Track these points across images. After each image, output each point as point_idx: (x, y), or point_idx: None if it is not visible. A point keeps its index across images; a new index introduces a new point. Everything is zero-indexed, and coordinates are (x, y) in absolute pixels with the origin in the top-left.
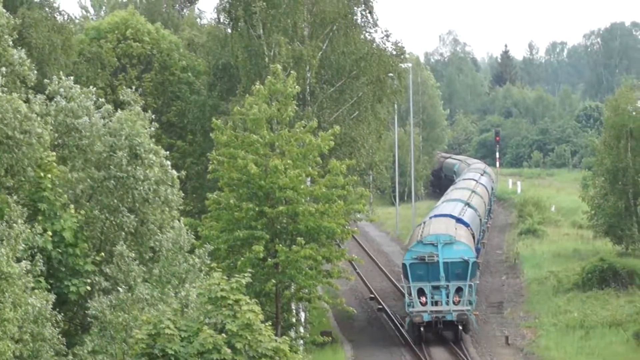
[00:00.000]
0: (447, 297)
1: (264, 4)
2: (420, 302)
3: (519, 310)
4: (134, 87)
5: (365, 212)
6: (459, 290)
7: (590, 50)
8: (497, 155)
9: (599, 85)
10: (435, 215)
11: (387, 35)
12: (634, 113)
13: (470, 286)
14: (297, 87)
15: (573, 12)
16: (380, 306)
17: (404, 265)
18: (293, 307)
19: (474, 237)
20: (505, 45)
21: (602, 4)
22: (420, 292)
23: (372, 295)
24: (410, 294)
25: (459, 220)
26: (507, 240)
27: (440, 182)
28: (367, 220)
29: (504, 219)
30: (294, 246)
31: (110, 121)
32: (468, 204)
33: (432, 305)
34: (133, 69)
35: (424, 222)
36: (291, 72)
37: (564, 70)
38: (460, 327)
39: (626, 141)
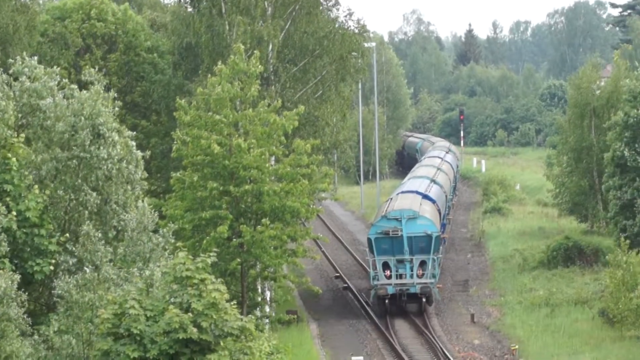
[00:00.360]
0: (411, 270)
1: None
2: (385, 276)
3: (484, 289)
4: (97, 68)
5: (330, 191)
6: (422, 263)
7: (554, 29)
8: (462, 134)
9: (562, 64)
10: (402, 192)
11: (350, 14)
12: (597, 92)
13: (433, 260)
14: (259, 66)
15: None
16: (346, 284)
17: (369, 239)
18: (258, 286)
19: (439, 213)
20: (469, 24)
21: None
22: (385, 265)
23: (337, 274)
24: (375, 268)
25: (425, 197)
26: (472, 218)
27: (404, 161)
28: (332, 199)
29: (468, 197)
30: (259, 226)
31: (72, 103)
32: (434, 181)
33: (397, 278)
34: (98, 49)
35: (391, 198)
36: (254, 51)
37: (528, 49)
38: (424, 300)
39: (590, 120)
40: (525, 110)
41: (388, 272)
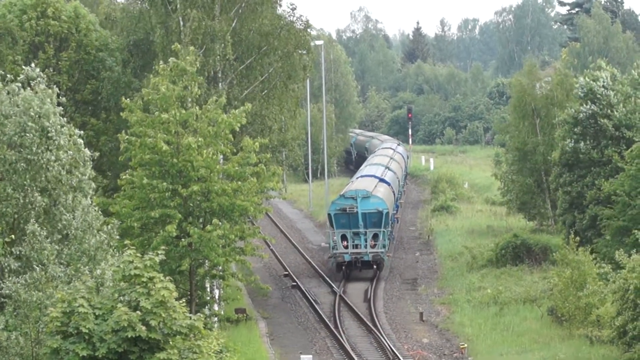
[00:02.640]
0: (365, 241)
1: None
2: (343, 246)
3: (433, 287)
4: (50, 66)
5: (278, 190)
6: (375, 236)
7: (502, 27)
8: (410, 132)
9: (510, 62)
10: (361, 176)
11: (293, 9)
12: (539, 92)
13: (384, 232)
14: (197, 63)
15: None
16: (294, 283)
17: (329, 215)
18: (207, 284)
19: (394, 194)
20: (417, 22)
21: None
22: (343, 237)
23: (286, 272)
24: (334, 239)
25: (381, 180)
26: (420, 216)
27: (352, 159)
28: (281, 198)
29: (417, 195)
30: (208, 226)
31: (16, 101)
32: (388, 168)
33: (353, 248)
34: (50, 47)
35: (352, 181)
36: (191, 47)
37: (476, 47)
38: (375, 266)
39: (532, 120)
40: (473, 108)
41: (345, 243)
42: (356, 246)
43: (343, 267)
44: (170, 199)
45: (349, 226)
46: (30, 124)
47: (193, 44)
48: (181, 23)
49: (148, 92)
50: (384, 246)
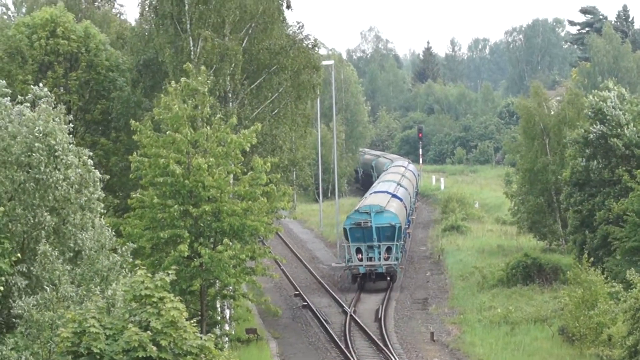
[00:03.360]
0: (379, 254)
1: (194, 1)
2: (358, 258)
3: (444, 307)
4: (59, 86)
5: (289, 210)
6: (388, 249)
7: (513, 47)
8: (420, 151)
9: (520, 82)
10: (374, 192)
11: (301, 27)
12: (552, 112)
13: (397, 246)
14: (208, 82)
15: (495, 8)
16: (305, 303)
17: (344, 229)
18: (218, 304)
19: (406, 209)
20: (428, 42)
21: (525, 1)
22: (358, 250)
23: (297, 292)
24: (349, 252)
25: (393, 196)
26: (431, 236)
27: (361, 179)
28: (291, 218)
29: (427, 215)
30: (218, 246)
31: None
32: (400, 184)
33: (367, 260)
34: (60, 66)
35: (365, 197)
36: (202, 67)
37: (486, 67)
38: (389, 278)
39: (542, 140)
40: (483, 128)
41: (360, 256)
42: (370, 259)
43: (358, 279)
44: (181, 219)
45: (363, 240)
46: (36, 143)
47: (205, 63)
48: (191, 43)
49: (159, 112)
50: (396, 259)
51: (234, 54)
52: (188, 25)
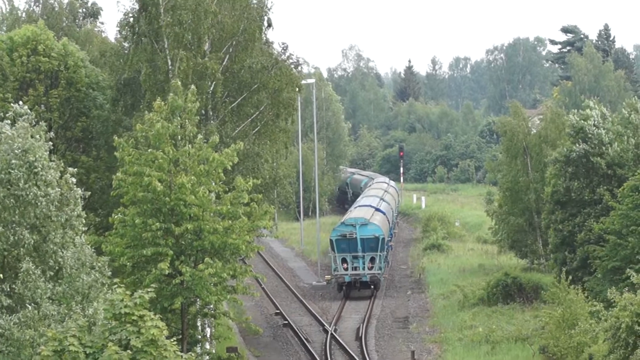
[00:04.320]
0: (363, 264)
1: (170, 19)
2: (343, 268)
3: (424, 325)
4: (42, 105)
5: (270, 229)
6: (372, 259)
7: (494, 66)
8: (402, 170)
9: (502, 101)
10: (359, 206)
11: (285, 48)
12: (533, 131)
13: (380, 256)
14: (197, 103)
15: (476, 27)
16: (286, 321)
17: (330, 240)
18: (199, 323)
19: (389, 222)
20: (409, 61)
21: (506, 20)
22: (343, 260)
23: (278, 311)
24: (335, 262)
25: (376, 209)
26: (412, 255)
27: (342, 197)
28: (272, 237)
29: (408, 234)
30: (200, 264)
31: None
32: (382, 199)
33: (352, 270)
34: (40, 84)
35: (350, 210)
36: (191, 86)
37: (467, 86)
38: (372, 287)
39: (523, 158)
40: (464, 146)
41: (345, 265)
42: (355, 268)
43: (343, 287)
44: (162, 237)
45: (348, 250)
46: (14, 160)
47: (183, 82)
48: (169, 62)
49: (142, 129)
50: (380, 268)
51: (212, 73)
52: (165, 44)
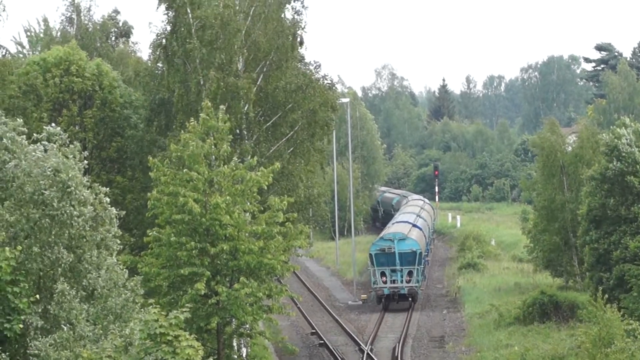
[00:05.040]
0: (401, 277)
1: (198, 42)
2: (382, 281)
3: (460, 345)
4: (76, 125)
5: (305, 248)
6: (410, 272)
7: (528, 84)
8: (437, 189)
9: (536, 119)
10: (396, 222)
11: (317, 66)
12: (569, 148)
13: (417, 270)
14: (227, 122)
15: (510, 45)
16: (322, 341)
17: (370, 254)
18: (235, 343)
19: (425, 237)
20: (443, 79)
21: (540, 38)
22: (382, 273)
23: (313, 330)
24: (374, 275)
25: (413, 225)
26: (447, 274)
27: (375, 216)
28: (308, 256)
29: (444, 253)
30: (236, 284)
31: (37, 161)
32: (419, 215)
33: (391, 283)
34: (74, 104)
35: (388, 226)
36: (221, 107)
37: (502, 104)
38: (410, 299)
39: (560, 177)
40: (499, 165)
41: (384, 279)
42: (394, 281)
43: (382, 300)
44: (198, 257)
45: (387, 264)
46: (42, 181)
47: (213, 103)
48: (201, 82)
49: (177, 149)
50: (417, 281)
51: (245, 93)
52: (197, 65)
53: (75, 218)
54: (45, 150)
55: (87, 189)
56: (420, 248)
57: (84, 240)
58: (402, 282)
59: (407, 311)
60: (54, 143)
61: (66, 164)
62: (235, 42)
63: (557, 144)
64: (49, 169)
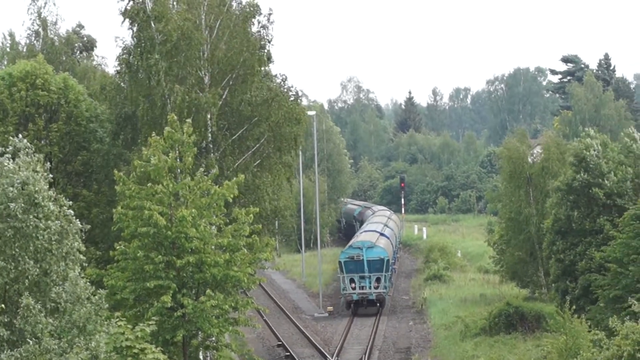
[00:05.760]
0: (370, 284)
1: (158, 57)
2: (351, 287)
3: (426, 356)
4: (42, 139)
5: (271, 261)
6: (378, 279)
7: (494, 96)
8: (403, 201)
9: (502, 131)
10: (364, 231)
11: (284, 80)
12: (533, 160)
13: (385, 276)
14: (193, 136)
15: (477, 58)
16: (288, 353)
17: (339, 262)
18: (201, 355)
19: (392, 245)
20: (409, 92)
21: (506, 50)
22: (351, 280)
23: (280, 342)
24: (344, 282)
25: (381, 234)
26: (413, 285)
27: (342, 228)
28: (274, 269)
29: (410, 264)
30: (201, 297)
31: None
32: (386, 225)
33: (359, 289)
34: (40, 118)
35: (357, 235)
36: (187, 120)
37: (468, 116)
38: (378, 304)
39: (526, 188)
40: (465, 177)
41: (353, 285)
42: (362, 287)
43: (352, 305)
44: (164, 270)
45: (356, 271)
46: (10, 188)
47: (178, 117)
48: (166, 96)
49: (140, 164)
50: (385, 287)
51: (208, 107)
52: (162, 80)
53: (41, 231)
54: (14, 160)
55: (52, 202)
56: (387, 256)
57: (50, 253)
58: (370, 288)
59: (374, 317)
60: (21, 156)
61: (35, 177)
62: (198, 56)
63: (524, 155)
64: (18, 182)
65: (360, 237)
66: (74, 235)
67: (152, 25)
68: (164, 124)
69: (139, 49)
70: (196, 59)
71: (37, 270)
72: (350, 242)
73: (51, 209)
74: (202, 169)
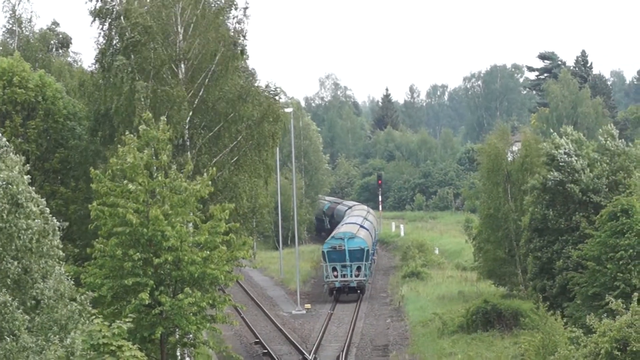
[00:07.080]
0: (351, 272)
1: (121, 57)
2: (334, 275)
3: (404, 353)
4: (19, 136)
5: (249, 259)
6: (358, 268)
7: (471, 93)
8: (380, 198)
9: (479, 128)
10: (345, 223)
11: (253, 74)
12: (511, 157)
13: (365, 265)
14: (168, 132)
15: (454, 55)
16: (265, 350)
17: (322, 252)
18: (178, 353)
19: (372, 237)
20: (387, 89)
21: (483, 47)
22: (334, 269)
23: (257, 340)
24: (327, 270)
25: (361, 226)
26: (391, 283)
27: (322, 226)
28: (251, 267)
29: (387, 262)
30: (179, 294)
31: None
32: (366, 218)
33: (341, 277)
34: (17, 115)
35: (338, 227)
36: (162, 117)
37: (445, 113)
38: (359, 291)
39: (504, 186)
40: (443, 174)
41: (335, 273)
42: (344, 275)
43: (334, 292)
44: (142, 267)
45: (338, 260)
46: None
47: (153, 113)
48: (135, 92)
49: (115, 162)
50: (365, 275)
51: (180, 102)
52: (132, 74)
53: (22, 231)
54: None
55: (33, 202)
56: (368, 246)
57: (30, 252)
58: (351, 276)
59: (353, 311)
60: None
61: (17, 177)
62: (170, 52)
63: (503, 152)
64: (2, 182)
65: (342, 228)
66: (53, 232)
67: (123, 21)
68: (137, 122)
69: (110, 49)
70: (167, 55)
71: (19, 269)
72: (332, 233)
73: (32, 210)
74: (174, 167)
